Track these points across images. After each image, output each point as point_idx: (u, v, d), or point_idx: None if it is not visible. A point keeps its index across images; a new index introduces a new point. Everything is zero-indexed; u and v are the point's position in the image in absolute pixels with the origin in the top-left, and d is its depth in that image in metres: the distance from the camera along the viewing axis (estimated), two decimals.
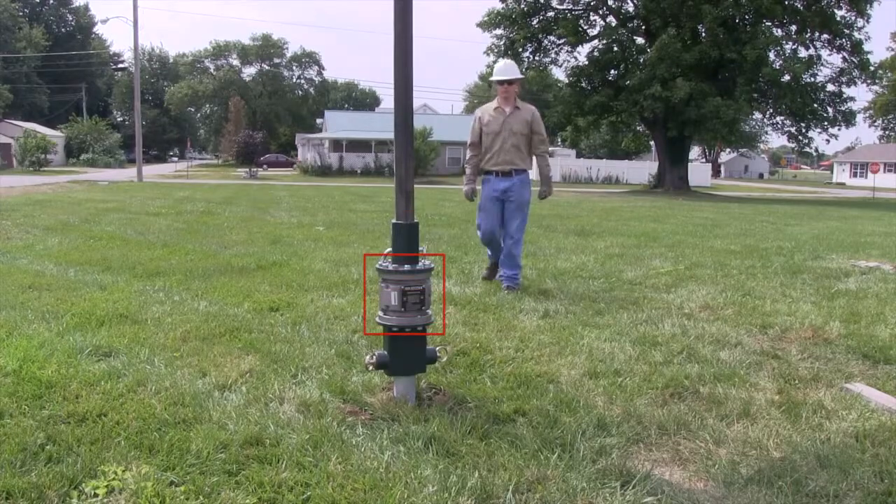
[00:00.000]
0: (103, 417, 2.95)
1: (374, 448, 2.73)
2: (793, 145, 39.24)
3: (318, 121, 67.34)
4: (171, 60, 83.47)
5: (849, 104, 33.28)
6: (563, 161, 52.80)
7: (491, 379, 3.61)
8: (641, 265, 7.71)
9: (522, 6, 34.27)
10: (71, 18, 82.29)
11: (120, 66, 79.01)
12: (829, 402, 3.38)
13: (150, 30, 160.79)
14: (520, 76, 6.08)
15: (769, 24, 31.97)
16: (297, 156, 58.17)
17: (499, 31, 34.90)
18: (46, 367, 3.53)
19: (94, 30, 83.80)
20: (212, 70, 75.70)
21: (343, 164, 47.82)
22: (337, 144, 49.06)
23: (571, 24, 34.15)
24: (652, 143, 40.47)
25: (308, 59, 77.27)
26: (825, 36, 32.60)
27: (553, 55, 36.42)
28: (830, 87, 33.18)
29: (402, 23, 3.07)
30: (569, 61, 37.13)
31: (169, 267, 6.85)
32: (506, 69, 6.06)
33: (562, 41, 35.35)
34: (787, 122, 34.49)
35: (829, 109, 33.13)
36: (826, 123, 33.16)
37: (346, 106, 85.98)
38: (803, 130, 33.95)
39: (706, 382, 3.64)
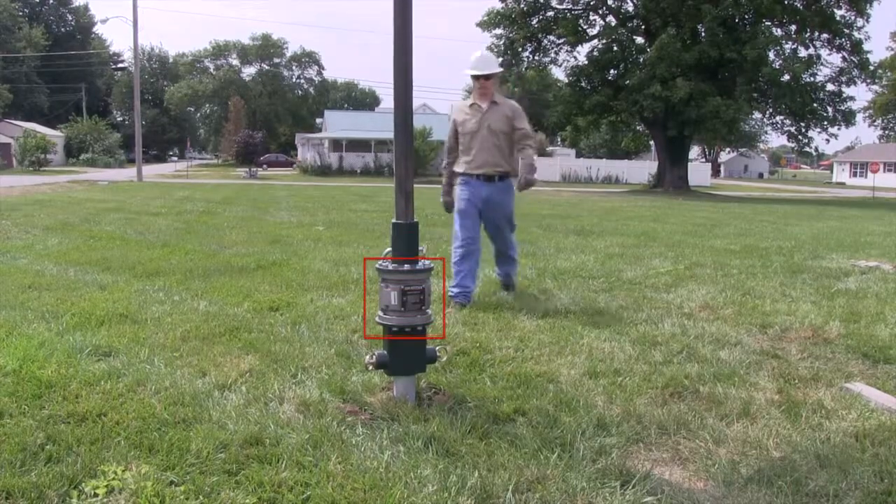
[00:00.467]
0: (103, 417, 2.95)
1: (374, 448, 2.73)
2: (792, 145, 39.24)
3: (318, 120, 67.31)
4: (171, 60, 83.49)
5: (848, 104, 33.35)
6: (563, 161, 52.84)
7: (491, 379, 3.61)
8: (641, 265, 7.71)
9: (522, 6, 34.28)
10: (71, 18, 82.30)
11: (120, 65, 79.04)
12: (829, 402, 3.38)
13: (149, 30, 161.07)
14: (497, 70, 5.46)
15: (769, 23, 31.99)
16: (296, 155, 58.16)
17: (498, 31, 34.95)
18: (46, 367, 3.53)
19: (94, 30, 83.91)
20: (211, 70, 75.72)
21: (343, 164, 47.81)
22: (337, 144, 49.05)
23: (571, 23, 34.17)
24: (652, 142, 40.48)
25: (308, 58, 77.32)
26: (825, 35, 32.62)
27: (553, 55, 36.49)
28: (830, 87, 33.25)
29: (402, 22, 3.07)
30: (568, 61, 37.21)
31: (169, 267, 6.85)
32: (482, 62, 5.34)
33: (561, 41, 35.38)
34: (787, 122, 34.52)
35: (829, 109, 33.15)
36: (826, 123, 33.18)
37: (346, 106, 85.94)
38: (803, 130, 33.97)
39: (706, 382, 3.64)
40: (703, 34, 31.64)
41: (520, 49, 34.97)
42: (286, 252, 8.09)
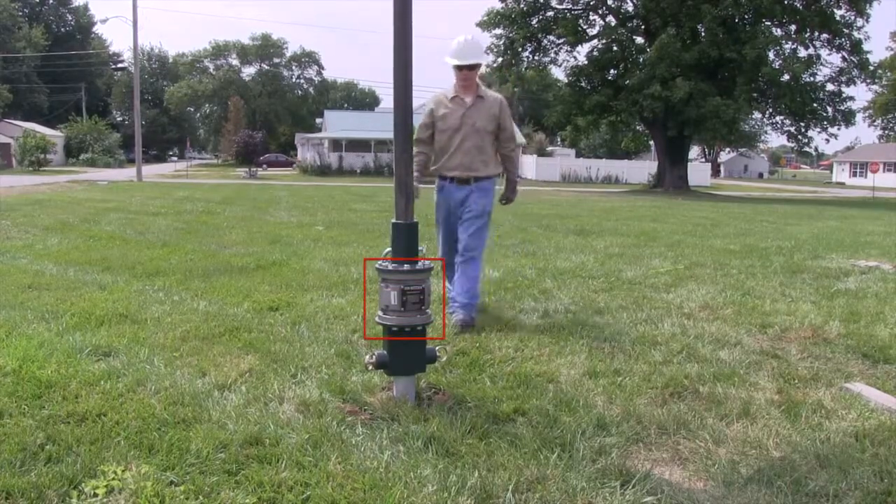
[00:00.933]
0: (103, 417, 2.95)
1: (374, 448, 2.73)
2: (792, 145, 39.25)
3: (318, 120, 67.32)
4: (171, 60, 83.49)
5: (848, 104, 33.35)
6: (563, 161, 52.84)
7: (490, 378, 3.61)
8: (641, 265, 7.71)
9: (522, 6, 34.29)
10: (70, 18, 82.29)
11: (119, 65, 78.95)
12: (829, 402, 3.38)
13: (149, 29, 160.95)
14: (484, 59, 4.86)
15: (769, 23, 31.98)
16: (296, 155, 58.16)
17: (498, 31, 34.94)
18: (46, 367, 3.53)
19: (94, 30, 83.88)
20: (211, 70, 75.73)
21: (343, 164, 47.80)
22: (336, 144, 49.05)
23: (571, 23, 34.17)
24: (651, 142, 40.50)
25: (307, 58, 77.33)
26: (825, 35, 32.62)
27: (552, 55, 36.49)
28: (830, 87, 33.25)
29: (402, 22, 3.07)
30: (568, 61, 37.22)
31: (168, 267, 6.85)
32: (466, 50, 4.62)
33: (561, 41, 35.38)
34: (787, 122, 34.54)
35: (829, 109, 33.16)
36: (825, 123, 33.19)
37: (346, 106, 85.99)
38: (803, 130, 33.98)
39: (706, 382, 3.64)
40: (702, 34, 31.65)
41: (520, 49, 34.97)
42: (286, 252, 8.09)
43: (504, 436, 2.87)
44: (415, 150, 4.52)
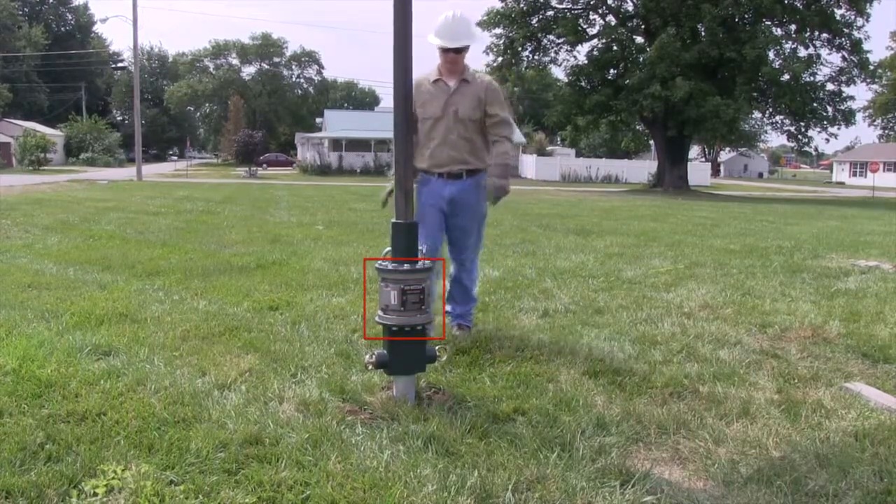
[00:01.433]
0: (103, 416, 2.95)
1: (374, 447, 2.73)
2: (792, 144, 39.26)
3: (318, 120, 67.27)
4: (171, 59, 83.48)
5: (848, 103, 33.34)
6: (563, 160, 52.81)
7: (490, 378, 3.61)
8: (641, 264, 7.71)
9: (522, 5, 34.27)
10: (70, 17, 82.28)
11: (119, 65, 78.84)
12: (829, 402, 3.38)
13: (149, 29, 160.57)
14: (472, 41, 4.16)
15: (769, 23, 31.99)
16: (296, 155, 58.15)
17: (498, 31, 34.93)
18: (46, 366, 3.53)
19: (94, 29, 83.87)
20: (211, 69, 75.69)
21: (342, 164, 47.80)
22: (336, 144, 49.05)
23: (571, 23, 34.15)
24: (651, 142, 40.49)
25: (308, 58, 77.30)
26: (825, 35, 32.61)
27: (552, 54, 36.46)
28: (830, 87, 33.25)
29: (402, 22, 3.07)
30: (568, 60, 37.16)
31: (168, 266, 6.85)
32: (453, 29, 4.06)
33: (561, 40, 35.35)
34: (787, 122, 34.53)
35: (829, 108, 33.16)
36: (825, 122, 33.18)
37: (346, 105, 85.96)
38: (803, 129, 33.97)
39: (705, 382, 3.64)
40: (702, 34, 31.63)
41: (520, 48, 34.95)
42: (286, 251, 8.09)
43: (504, 435, 2.87)
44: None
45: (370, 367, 3.26)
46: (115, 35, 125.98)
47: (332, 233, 10.45)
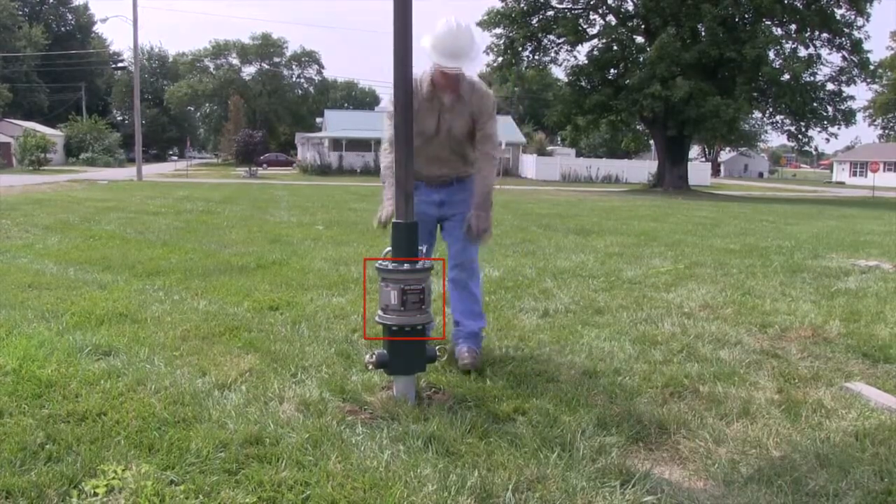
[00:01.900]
0: (103, 416, 2.95)
1: (374, 447, 2.73)
2: (792, 144, 39.29)
3: (318, 120, 67.32)
4: (171, 59, 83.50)
5: (848, 103, 33.36)
6: (563, 160, 52.82)
7: (490, 378, 3.61)
8: (641, 264, 7.71)
9: (522, 5, 34.27)
10: (70, 17, 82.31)
11: (119, 65, 78.87)
12: (829, 401, 3.38)
13: (149, 29, 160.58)
14: (477, 60, 3.76)
15: (769, 23, 31.99)
16: (296, 155, 58.15)
17: (499, 30, 34.93)
18: (46, 366, 3.53)
19: (94, 29, 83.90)
20: (211, 69, 75.70)
21: (343, 164, 47.81)
22: (336, 143, 49.06)
23: (571, 23, 34.15)
24: (651, 142, 40.50)
25: (308, 58, 77.32)
26: (825, 35, 32.61)
27: (553, 54, 36.48)
28: (830, 86, 33.27)
29: (402, 21, 3.07)
30: (568, 60, 37.23)
31: (168, 266, 6.84)
32: (456, 46, 3.52)
33: (561, 40, 35.36)
34: (787, 121, 34.54)
35: (829, 108, 33.17)
36: (826, 122, 33.20)
37: (346, 105, 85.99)
38: (803, 129, 33.98)
39: (706, 381, 3.64)
40: (702, 33, 31.63)
41: (520, 48, 34.95)
42: (286, 251, 8.09)
43: (504, 435, 2.87)
44: (386, 158, 3.83)
45: (370, 366, 3.26)
46: (115, 35, 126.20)
47: (332, 233, 10.45)
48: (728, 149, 73.57)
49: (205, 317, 4.74)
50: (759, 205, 24.20)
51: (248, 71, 76.50)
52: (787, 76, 31.51)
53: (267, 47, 74.92)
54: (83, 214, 12.61)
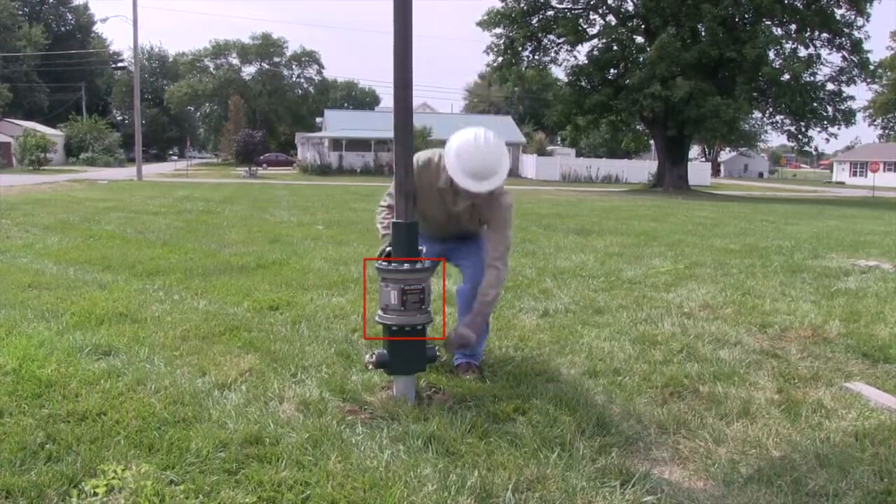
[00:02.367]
0: (103, 416, 2.95)
1: (374, 447, 2.73)
2: (792, 144, 39.26)
3: (318, 120, 67.27)
4: (171, 59, 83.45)
5: (848, 103, 33.34)
6: (563, 160, 52.83)
7: (491, 378, 3.61)
8: (641, 264, 7.71)
9: (522, 5, 34.27)
10: (70, 17, 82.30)
11: (119, 65, 78.79)
12: (829, 401, 3.38)
13: (149, 29, 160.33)
14: (499, 183, 3.34)
15: (769, 23, 31.98)
16: (296, 155, 58.14)
17: (499, 30, 34.93)
18: (46, 366, 3.53)
19: (94, 29, 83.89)
20: (211, 69, 75.65)
21: (343, 164, 47.80)
22: (336, 143, 49.04)
23: (571, 23, 34.15)
24: (651, 142, 40.50)
25: (308, 58, 77.27)
26: (825, 35, 32.60)
27: (553, 54, 36.46)
28: (830, 86, 33.25)
29: (402, 21, 3.07)
30: (568, 60, 37.19)
31: (168, 266, 6.84)
32: (482, 166, 3.25)
33: (561, 40, 35.35)
34: (787, 121, 34.52)
35: (829, 108, 33.16)
36: (826, 122, 33.18)
37: (346, 105, 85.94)
38: (803, 129, 33.97)
39: (706, 381, 3.64)
40: (702, 33, 31.63)
41: (520, 48, 34.95)
42: (286, 251, 8.09)
43: (504, 435, 2.87)
44: (383, 212, 3.64)
45: (370, 366, 3.26)
46: (115, 35, 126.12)
47: (332, 232, 10.45)
48: (728, 149, 73.57)
49: (205, 317, 4.74)
50: (759, 205, 24.20)
51: (248, 71, 76.54)
52: (787, 76, 31.50)
53: (267, 47, 74.88)
54: (83, 214, 12.61)
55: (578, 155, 58.32)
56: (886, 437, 2.97)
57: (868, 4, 31.67)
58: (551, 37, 35.39)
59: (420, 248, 3.24)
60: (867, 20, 32.22)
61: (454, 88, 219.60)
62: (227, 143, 64.59)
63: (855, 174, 65.59)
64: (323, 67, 79.44)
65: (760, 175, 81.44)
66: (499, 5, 34.49)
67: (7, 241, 8.65)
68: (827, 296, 6.04)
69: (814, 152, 47.26)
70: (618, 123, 36.58)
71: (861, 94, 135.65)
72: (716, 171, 67.41)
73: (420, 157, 3.46)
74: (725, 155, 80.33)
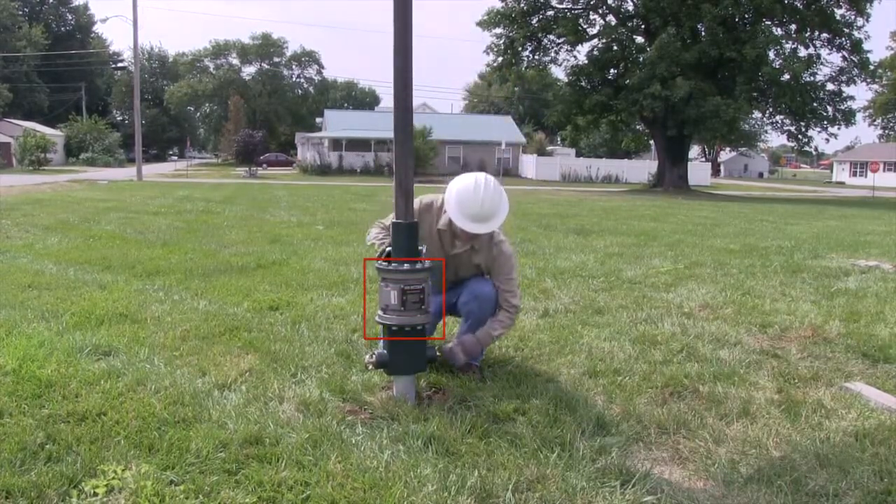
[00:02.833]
0: (103, 416, 2.95)
1: (374, 447, 2.73)
2: (792, 144, 39.25)
3: (318, 120, 67.25)
4: (171, 59, 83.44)
5: (848, 103, 33.35)
6: (563, 160, 52.83)
7: (491, 378, 3.61)
8: (641, 264, 7.71)
9: (522, 5, 34.28)
10: (70, 17, 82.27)
11: (119, 65, 78.77)
12: (829, 401, 3.38)
13: (149, 29, 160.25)
14: (497, 226, 3.48)
15: (769, 23, 31.99)
16: (296, 155, 58.14)
17: (499, 30, 34.95)
18: (46, 367, 3.53)
19: (94, 29, 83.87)
20: (211, 69, 75.65)
21: (342, 164, 47.79)
22: (336, 143, 49.04)
23: (571, 22, 34.17)
24: (651, 142, 40.51)
25: (308, 58, 77.28)
26: (825, 35, 32.62)
27: (553, 54, 36.50)
28: (830, 86, 33.26)
29: (402, 21, 3.07)
30: (568, 60, 37.21)
31: (168, 266, 6.84)
32: (480, 211, 3.38)
33: (561, 40, 35.38)
34: (787, 121, 34.55)
35: (829, 108, 33.17)
36: (825, 122, 33.20)
37: (346, 105, 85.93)
38: (803, 129, 33.98)
39: (706, 381, 3.64)
40: (702, 33, 31.65)
41: (520, 48, 34.97)
42: (286, 251, 8.09)
43: (504, 435, 2.87)
44: (377, 230, 3.66)
45: (370, 366, 3.26)
46: (115, 35, 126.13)
47: (332, 233, 10.45)
48: (728, 149, 73.58)
49: (205, 317, 4.74)
50: (758, 205, 24.20)
51: (248, 71, 76.52)
52: (787, 76, 31.51)
53: (267, 47, 74.88)
54: (83, 214, 12.61)
55: (578, 155, 58.32)
56: (886, 437, 2.97)
57: (868, 4, 31.69)
58: (551, 37, 35.41)
59: (420, 248, 3.24)
60: (867, 20, 32.27)
61: (454, 88, 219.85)
62: (227, 144, 64.58)
63: (855, 174, 65.59)
64: (323, 67, 79.53)
65: (760, 175, 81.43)
66: (499, 5, 34.54)
67: (7, 241, 8.64)
68: (827, 296, 6.04)
69: (814, 152, 47.25)
70: (618, 123, 36.61)
71: (861, 94, 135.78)
72: (716, 171, 67.42)
73: (423, 199, 3.57)
74: (725, 155, 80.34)
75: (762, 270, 7.45)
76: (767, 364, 3.99)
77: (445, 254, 3.61)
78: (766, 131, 63.63)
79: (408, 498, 2.36)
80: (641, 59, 32.67)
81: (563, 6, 35.13)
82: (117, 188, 23.76)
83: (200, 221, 11.75)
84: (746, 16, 31.95)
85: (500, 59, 35.21)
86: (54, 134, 55.43)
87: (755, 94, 33.00)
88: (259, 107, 73.02)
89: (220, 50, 75.16)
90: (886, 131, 72.09)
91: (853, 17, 32.18)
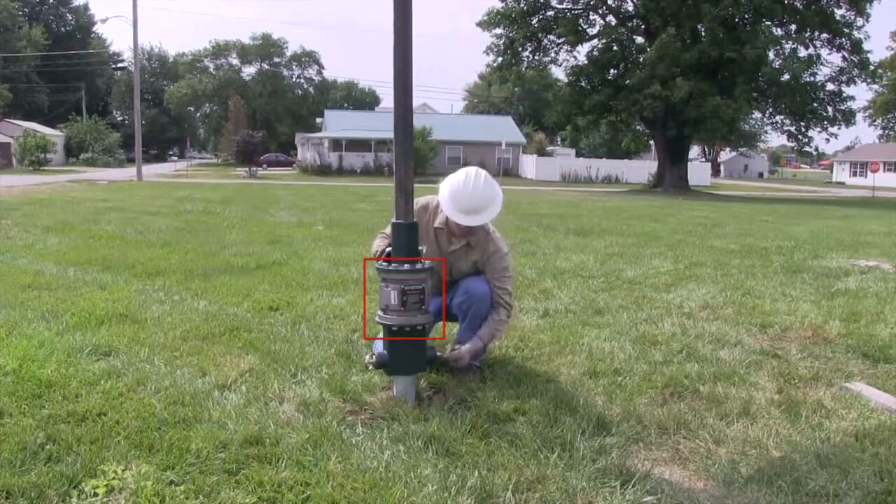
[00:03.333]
0: (103, 417, 2.95)
1: (374, 447, 2.73)
2: (792, 144, 39.22)
3: (318, 120, 67.26)
4: (171, 60, 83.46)
5: (848, 103, 33.35)
6: (563, 160, 52.83)
7: (491, 378, 3.60)
8: (641, 264, 7.71)
9: (522, 5, 34.29)
10: (70, 18, 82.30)
11: (119, 65, 78.71)
12: (829, 402, 3.38)
13: (149, 29, 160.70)
14: (489, 219, 3.55)
15: (769, 23, 32.01)
16: (296, 155, 58.15)
17: (498, 31, 34.97)
18: (46, 367, 3.53)
19: (94, 29, 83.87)
20: (211, 69, 75.68)
21: (343, 164, 47.79)
22: (336, 144, 49.04)
23: (571, 23, 34.17)
24: (651, 142, 40.51)
25: (308, 58, 77.30)
26: (825, 35, 32.61)
27: (553, 54, 36.52)
28: (830, 87, 33.26)
29: (402, 21, 3.07)
30: (568, 60, 37.25)
31: (168, 266, 6.84)
32: (470, 204, 3.43)
33: (561, 40, 35.38)
34: (787, 122, 34.54)
35: (829, 108, 33.18)
36: (826, 122, 33.20)
37: (346, 105, 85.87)
38: (803, 129, 33.98)
39: (706, 382, 3.64)
40: (703, 34, 31.64)
41: (520, 49, 34.98)
42: (286, 252, 8.09)
43: (504, 435, 2.87)
44: (380, 240, 3.57)
45: (370, 367, 3.26)
46: (115, 35, 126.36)
47: (332, 233, 10.45)
48: (728, 149, 73.61)
49: (205, 317, 4.74)
50: (758, 205, 24.20)
51: (248, 71, 76.53)
52: (787, 76, 31.51)
53: (267, 47, 74.90)
54: (83, 215, 12.61)
55: (578, 155, 58.32)
56: (886, 437, 2.97)
57: (868, 4, 31.69)
58: (551, 37, 35.42)
59: (420, 248, 3.24)
60: (867, 20, 32.27)
61: (454, 88, 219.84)
62: (227, 144, 64.63)
63: (855, 174, 65.58)
64: (323, 68, 79.57)
65: (760, 175, 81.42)
66: (499, 5, 34.55)
67: (7, 241, 8.64)
68: (827, 296, 6.04)
69: (814, 152, 47.19)
70: (618, 124, 36.59)
71: (861, 94, 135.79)
72: (716, 172, 67.42)
73: (419, 200, 3.60)
74: (725, 155, 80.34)
75: (762, 271, 7.45)
76: (767, 364, 3.99)
77: (442, 252, 3.67)
78: (765, 131, 63.69)
79: (408, 498, 2.36)
80: (641, 59, 32.67)
81: (563, 6, 35.15)
82: (117, 188, 23.76)
83: (200, 222, 11.75)
84: (746, 16, 31.95)
85: (500, 59, 35.22)
86: (54, 134, 55.42)
87: (755, 94, 33.01)
88: (259, 107, 73.02)
89: (220, 50, 75.18)
90: (886, 131, 72.09)
91: (853, 17, 32.20)
